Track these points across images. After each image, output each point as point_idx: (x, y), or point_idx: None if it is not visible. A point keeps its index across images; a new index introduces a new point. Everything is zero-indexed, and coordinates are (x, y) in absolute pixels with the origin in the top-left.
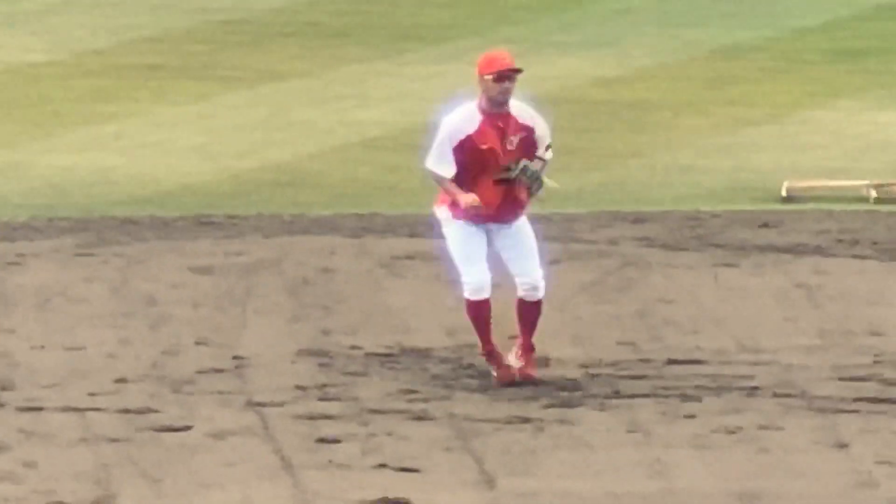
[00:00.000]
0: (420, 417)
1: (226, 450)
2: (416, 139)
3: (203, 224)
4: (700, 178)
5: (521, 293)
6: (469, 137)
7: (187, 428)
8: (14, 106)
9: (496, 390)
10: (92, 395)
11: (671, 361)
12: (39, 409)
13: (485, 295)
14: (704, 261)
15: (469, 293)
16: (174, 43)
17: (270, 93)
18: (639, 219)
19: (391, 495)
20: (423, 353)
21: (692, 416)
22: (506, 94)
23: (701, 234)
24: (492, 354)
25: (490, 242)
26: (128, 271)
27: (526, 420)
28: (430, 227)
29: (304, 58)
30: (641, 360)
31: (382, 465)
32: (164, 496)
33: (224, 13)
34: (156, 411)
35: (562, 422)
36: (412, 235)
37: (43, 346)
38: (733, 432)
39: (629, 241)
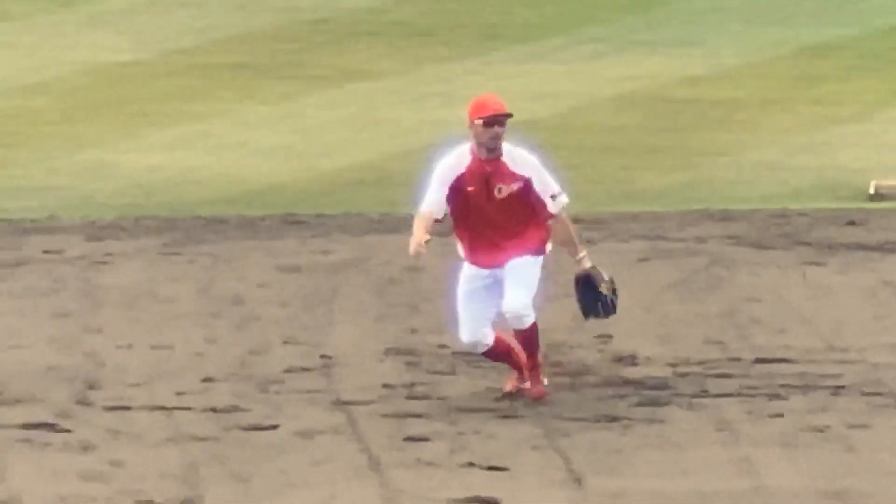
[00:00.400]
0: (508, 416)
1: (313, 449)
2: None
3: (290, 223)
4: (787, 177)
5: (508, 323)
6: (459, 178)
7: (275, 427)
8: (101, 106)
9: (585, 388)
10: (179, 394)
11: (759, 360)
12: (127, 408)
13: (479, 350)
14: (792, 259)
15: (470, 346)
16: (260, 42)
17: (356, 92)
18: (726, 217)
19: (479, 494)
20: None
21: (780, 415)
22: (496, 140)
23: (788, 232)
24: (522, 370)
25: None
26: (215, 271)
27: (614, 419)
28: None
29: (391, 57)
30: (729, 359)
31: (470, 464)
32: (252, 496)
33: (310, 12)
34: (243, 410)
35: (650, 421)
36: None
37: (130, 346)
38: (821, 431)
39: (716, 240)
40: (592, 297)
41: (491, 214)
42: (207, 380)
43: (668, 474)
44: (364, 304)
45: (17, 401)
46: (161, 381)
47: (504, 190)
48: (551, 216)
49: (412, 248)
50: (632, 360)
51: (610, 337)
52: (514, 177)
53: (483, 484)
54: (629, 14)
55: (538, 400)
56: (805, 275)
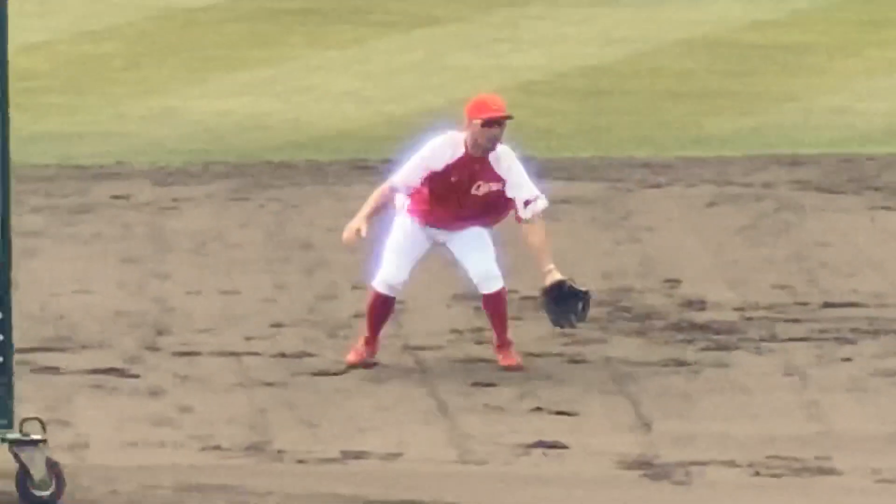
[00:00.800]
0: (576, 361)
1: (381, 394)
2: (571, 83)
3: (359, 168)
4: (855, 121)
5: (478, 288)
6: (446, 167)
7: (343, 372)
8: (169, 51)
9: (653, 333)
10: (248, 339)
11: (827, 304)
12: (195, 353)
13: (391, 293)
14: (860, 204)
15: (378, 283)
16: None
17: (425, 37)
18: (794, 162)
19: (547, 439)
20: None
21: (848, 360)
22: (493, 141)
23: (856, 176)
24: (367, 342)
25: (443, 245)
26: (283, 216)
27: (682, 363)
28: (586, 171)
29: (459, 2)
30: (797, 304)
31: (538, 409)
32: (320, 440)
33: None
34: (312, 355)
35: (718, 365)
36: (568, 179)
37: (199, 291)
38: (890, 375)
39: (784, 185)
40: (564, 309)
41: (464, 204)
42: (276, 325)
43: (736, 419)
44: (431, 249)
45: (86, 346)
46: (229, 327)
47: (482, 188)
48: (520, 220)
49: (346, 234)
50: (700, 304)
51: (678, 282)
52: (496, 177)
53: (551, 429)
54: None
55: (509, 368)
56: (873, 219)
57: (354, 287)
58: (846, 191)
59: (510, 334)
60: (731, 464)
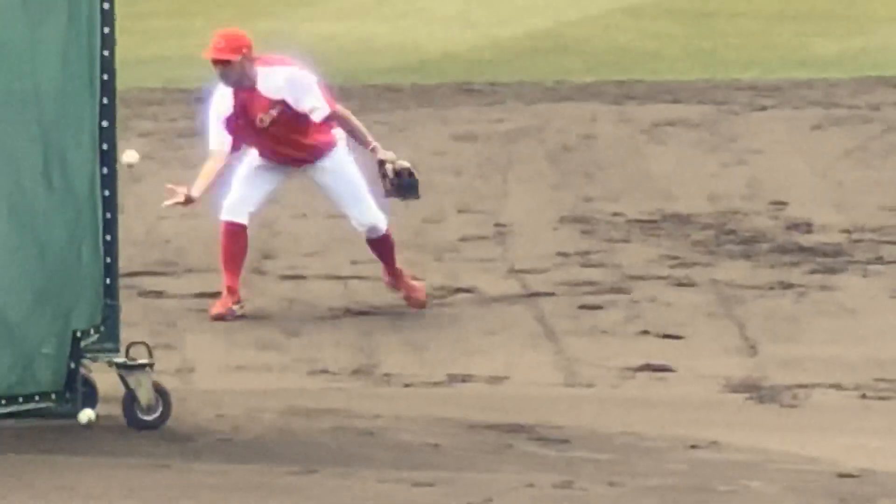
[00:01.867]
0: (682, 284)
1: (488, 317)
2: (679, 5)
3: (464, 91)
4: None
5: (362, 235)
6: (227, 113)
7: (450, 295)
8: None
9: (759, 256)
10: (354, 263)
11: None
12: (302, 277)
13: (235, 218)
14: None
15: (223, 213)
16: None
17: None
18: None
19: (654, 362)
20: (684, 220)
21: None
22: (224, 80)
23: None
24: (229, 290)
25: (310, 181)
26: (389, 139)
27: (788, 286)
28: (692, 94)
29: None
30: None
31: (645, 332)
32: (427, 364)
33: None
34: (418, 279)
35: (824, 287)
36: (674, 101)
37: (305, 215)
38: None
39: (891, 106)
40: (406, 187)
41: (266, 141)
42: None
43: (843, 341)
44: (539, 172)
45: (192, 270)
46: (336, 250)
47: (266, 119)
48: (319, 121)
49: (171, 199)
50: (806, 227)
51: (785, 204)
52: (270, 103)
53: (658, 352)
54: None
55: (420, 306)
56: None
57: (460, 210)
58: None
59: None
60: (839, 387)
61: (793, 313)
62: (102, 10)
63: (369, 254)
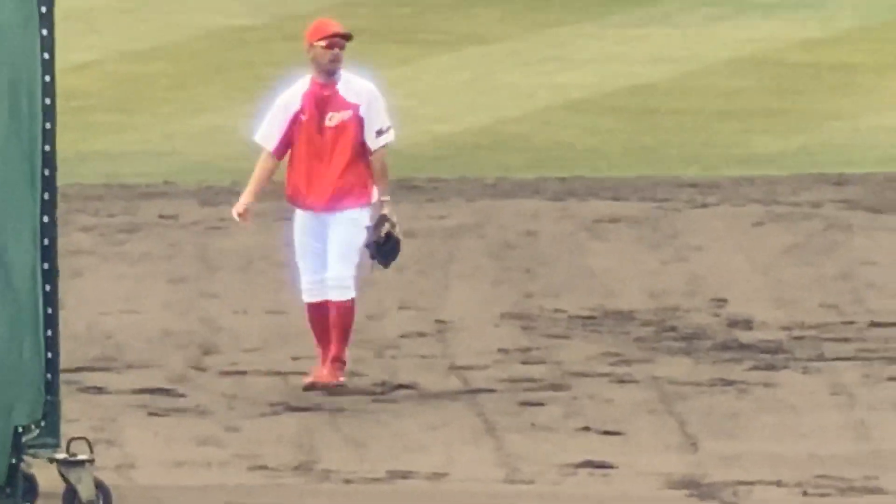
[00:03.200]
0: (623, 380)
1: (429, 413)
2: (620, 102)
3: (406, 187)
4: None
5: (328, 293)
6: (295, 106)
7: (391, 391)
8: (218, 70)
9: (700, 352)
10: (295, 359)
11: (874, 324)
12: (242, 373)
13: (317, 297)
14: None
15: (304, 296)
16: (377, 6)
17: (473, 56)
18: (842, 181)
19: (594, 458)
20: (625, 316)
21: (895, 379)
22: (336, 63)
23: None
24: (322, 360)
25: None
26: None
27: (729, 383)
28: (633, 190)
29: (508, 21)
30: (845, 323)
31: (585, 429)
32: (368, 460)
33: None
34: (359, 375)
35: (765, 384)
36: (615, 198)
37: (245, 311)
38: None
39: (832, 204)
40: (385, 251)
41: (319, 146)
42: None
43: (783, 438)
44: (480, 268)
45: (133, 366)
46: (276, 346)
47: (335, 118)
48: (370, 151)
49: (235, 209)
50: (747, 323)
51: (725, 301)
52: (346, 105)
53: (598, 448)
54: None
55: (326, 386)
56: None
57: (401, 307)
58: (893, 210)
59: (346, 354)
60: (779, 483)
61: (734, 410)
62: (44, 104)
63: (312, 347)
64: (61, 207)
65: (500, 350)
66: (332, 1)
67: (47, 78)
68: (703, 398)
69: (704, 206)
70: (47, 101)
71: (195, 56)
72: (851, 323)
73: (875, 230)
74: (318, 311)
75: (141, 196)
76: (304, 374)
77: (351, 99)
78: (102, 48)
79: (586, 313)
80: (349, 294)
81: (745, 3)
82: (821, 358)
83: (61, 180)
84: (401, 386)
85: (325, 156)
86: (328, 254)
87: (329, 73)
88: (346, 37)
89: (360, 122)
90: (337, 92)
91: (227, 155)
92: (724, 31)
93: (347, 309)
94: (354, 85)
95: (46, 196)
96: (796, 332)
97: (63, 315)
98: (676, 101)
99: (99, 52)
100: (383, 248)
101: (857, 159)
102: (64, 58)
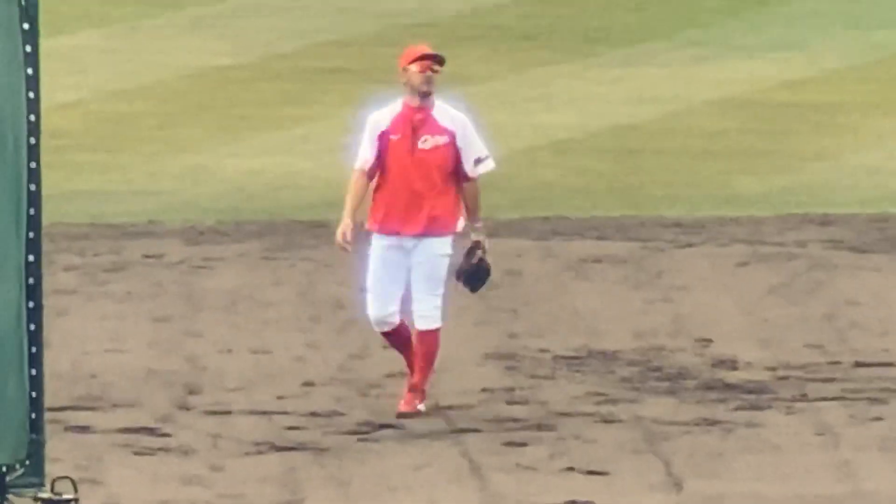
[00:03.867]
0: (607, 420)
1: (413, 452)
2: (603, 142)
3: None
4: (888, 180)
5: (415, 322)
6: (386, 126)
7: (375, 431)
8: (201, 109)
9: (684, 392)
10: (280, 398)
11: (859, 364)
12: (227, 412)
13: (385, 328)
14: (892, 263)
15: (374, 325)
16: (360, 46)
17: (456, 96)
18: (826, 221)
19: (578, 498)
20: (610, 356)
21: (880, 419)
22: (429, 84)
23: (889, 235)
24: (414, 388)
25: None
26: (315, 275)
27: (713, 423)
28: (617, 230)
29: (490, 61)
30: (829, 363)
31: (570, 469)
32: (352, 500)
33: (410, 17)
34: (343, 414)
35: (749, 424)
36: (599, 238)
37: (230, 350)
38: None
39: (816, 244)
40: (476, 276)
41: (411, 168)
42: (307, 384)
43: (767, 478)
44: (464, 308)
45: (118, 405)
46: (261, 386)
47: (429, 141)
48: (468, 178)
49: (339, 235)
50: (731, 363)
51: (710, 341)
52: (441, 130)
53: (582, 488)
54: (729, 18)
55: (400, 415)
56: None
57: (385, 346)
58: (878, 250)
59: (427, 385)
60: None
61: (718, 450)
62: (28, 144)
63: (297, 386)
64: (46, 246)
65: (484, 390)
66: (319, 41)
67: (32, 117)
68: (687, 438)
69: (689, 245)
70: (32, 140)
71: (180, 96)
72: (836, 363)
73: (859, 270)
74: (394, 337)
75: (125, 235)
76: (289, 413)
77: (446, 124)
78: (87, 88)
79: (571, 353)
80: (435, 324)
81: (729, 44)
82: (805, 398)
83: (46, 219)
84: (384, 425)
85: (418, 179)
86: (416, 284)
87: (423, 95)
88: (439, 59)
89: (455, 149)
90: (431, 115)
91: (210, 194)
92: (707, 72)
93: (432, 338)
94: (449, 111)
95: (31, 235)
96: (781, 372)
97: (48, 354)
98: (660, 142)
99: (84, 92)
100: (474, 274)
101: (842, 199)
102: (49, 97)
